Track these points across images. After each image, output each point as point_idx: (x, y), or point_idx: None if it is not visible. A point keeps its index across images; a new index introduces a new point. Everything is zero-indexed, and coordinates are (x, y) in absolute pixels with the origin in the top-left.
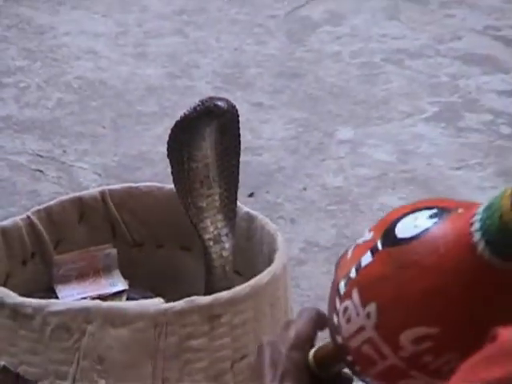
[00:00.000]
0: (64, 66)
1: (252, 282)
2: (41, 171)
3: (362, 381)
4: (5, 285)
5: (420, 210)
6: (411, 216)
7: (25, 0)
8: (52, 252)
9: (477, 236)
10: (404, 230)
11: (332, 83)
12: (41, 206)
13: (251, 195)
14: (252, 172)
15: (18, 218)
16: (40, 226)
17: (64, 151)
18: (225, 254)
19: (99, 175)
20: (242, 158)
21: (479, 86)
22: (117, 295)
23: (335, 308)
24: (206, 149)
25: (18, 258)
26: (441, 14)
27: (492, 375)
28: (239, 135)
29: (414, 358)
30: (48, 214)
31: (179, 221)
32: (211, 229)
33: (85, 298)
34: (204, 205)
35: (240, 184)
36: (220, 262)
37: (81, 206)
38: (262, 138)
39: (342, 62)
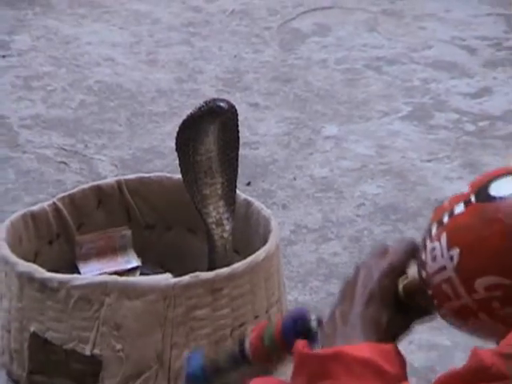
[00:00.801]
0: (85, 71)
1: (249, 259)
2: (65, 163)
3: (439, 314)
4: (34, 262)
5: None
6: (506, 178)
7: (52, 13)
8: (75, 233)
9: None
10: (497, 189)
11: (319, 86)
12: (65, 194)
13: (248, 184)
14: (249, 164)
15: (45, 204)
16: (64, 211)
17: (85, 146)
18: (225, 235)
19: (116, 166)
20: (240, 152)
21: (447, 89)
22: (131, 271)
23: (425, 246)
24: (209, 144)
25: (45, 238)
26: (414, 27)
27: None
28: (238, 132)
29: (485, 302)
30: (71, 200)
31: (186, 206)
32: (214, 213)
33: (103, 274)
34: (207, 192)
35: (239, 174)
36: (221, 242)
37: (99, 193)
38: (258, 134)
39: (328, 68)
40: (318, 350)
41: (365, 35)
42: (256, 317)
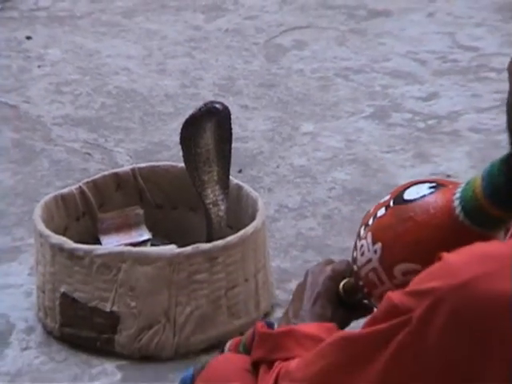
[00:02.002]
0: (106, 79)
1: (240, 233)
2: (89, 154)
3: (370, 301)
4: (64, 235)
5: (424, 183)
6: (417, 186)
7: (78, 31)
8: (97, 212)
9: (456, 203)
10: (410, 194)
11: (297, 91)
12: (89, 179)
13: (240, 171)
14: (240, 155)
15: (72, 188)
16: (88, 193)
17: (105, 140)
18: (220, 213)
19: (131, 157)
20: (233, 145)
21: (402, 93)
22: (143, 243)
23: (355, 245)
24: (207, 138)
25: (72, 216)
26: (375, 42)
27: (432, 285)
28: (231, 128)
29: (403, 285)
30: (94, 185)
31: (188, 190)
32: (211, 196)
33: (120, 245)
34: (206, 178)
35: (231, 163)
36: (217, 219)
37: (117, 179)
38: (248, 130)
39: (305, 76)
40: (275, 329)
41: (335, 49)
42: (246, 280)
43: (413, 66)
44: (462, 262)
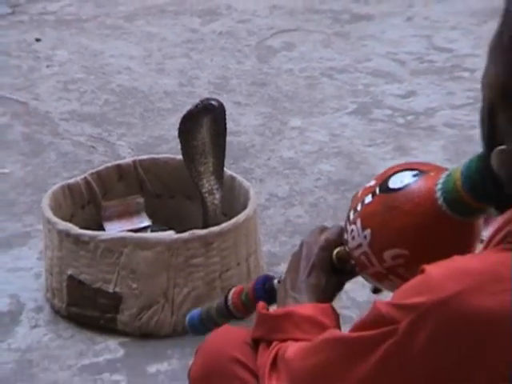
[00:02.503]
0: (109, 77)
1: (233, 220)
2: (93, 147)
3: (362, 277)
4: (70, 222)
5: (407, 170)
6: (401, 174)
7: (84, 34)
8: (101, 200)
9: (438, 193)
10: (394, 182)
11: (287, 89)
12: (93, 170)
13: (233, 163)
14: (234, 148)
15: (78, 178)
16: (93, 183)
17: (109, 134)
18: (215, 202)
19: (132, 150)
20: (227, 139)
21: (383, 91)
22: (144, 229)
23: (346, 229)
24: (204, 132)
25: (78, 204)
26: (358, 45)
27: (416, 301)
28: (225, 124)
29: (393, 268)
30: (98, 175)
31: (185, 180)
32: (207, 185)
33: (123, 231)
34: (202, 170)
35: (226, 156)
36: (212, 207)
37: (120, 170)
38: (240, 125)
39: (293, 76)
40: (273, 310)
41: (321, 51)
42: (238, 263)
43: (392, 66)
44: (443, 277)
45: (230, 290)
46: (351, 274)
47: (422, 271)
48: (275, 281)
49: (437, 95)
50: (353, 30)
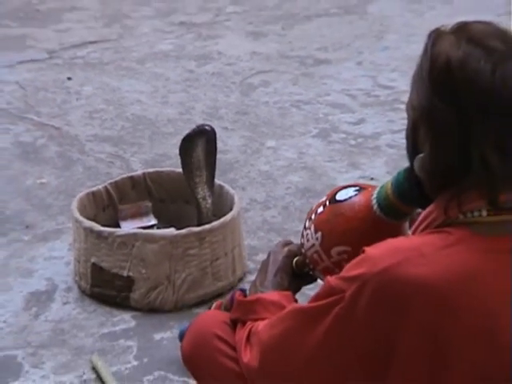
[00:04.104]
0: (125, 108)
1: (221, 220)
2: (112, 162)
3: (314, 274)
4: (93, 221)
5: (350, 187)
6: (345, 189)
7: (104, 74)
8: (117, 204)
9: (374, 201)
10: (341, 195)
11: (264, 117)
12: (112, 180)
13: (222, 175)
14: (222, 163)
15: (100, 186)
16: (111, 191)
17: (124, 152)
18: (208, 205)
19: (142, 164)
20: (217, 156)
21: (339, 119)
22: (151, 227)
23: (302, 234)
24: (199, 151)
25: (100, 207)
26: (320, 83)
27: (358, 273)
28: (216, 144)
29: (338, 262)
30: (115, 184)
31: (184, 188)
32: (201, 193)
33: (134, 228)
34: (197, 180)
35: (216, 169)
36: (205, 210)
37: (132, 180)
38: (227, 145)
39: (269, 106)
40: (247, 297)
41: (290, 87)
42: (225, 254)
43: (346, 100)
44: (379, 254)
45: (212, 305)
46: (306, 280)
47: (363, 251)
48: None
49: (380, 122)
50: (315, 72)
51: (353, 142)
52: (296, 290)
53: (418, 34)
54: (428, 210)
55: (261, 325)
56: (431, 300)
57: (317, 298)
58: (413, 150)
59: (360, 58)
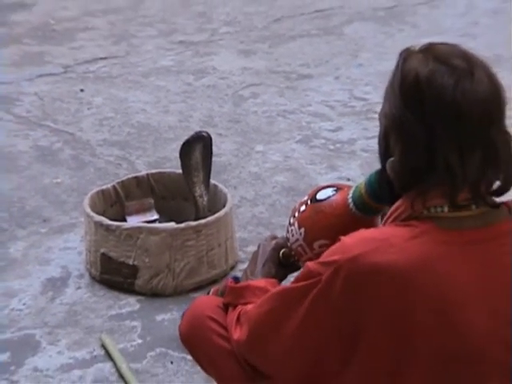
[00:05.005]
0: (130, 116)
1: (216, 215)
2: (119, 164)
3: (298, 264)
4: (103, 216)
5: (329, 187)
6: (324, 190)
7: (113, 86)
8: (124, 201)
9: (350, 200)
10: (320, 195)
11: (253, 125)
12: (119, 180)
13: (216, 176)
14: (216, 165)
15: (108, 185)
16: (119, 189)
17: (130, 155)
18: (204, 202)
19: (146, 166)
20: (212, 159)
21: (320, 127)
22: (153, 221)
23: (288, 230)
24: (196, 155)
25: (108, 203)
26: (303, 95)
27: (333, 258)
28: (212, 149)
29: (319, 254)
30: (123, 184)
31: (183, 187)
32: (198, 191)
33: (139, 222)
34: (195, 180)
35: (211, 171)
36: (202, 206)
37: (137, 180)
38: (221, 149)
39: (258, 116)
40: (238, 284)
41: (277, 98)
42: (219, 245)
43: (326, 110)
44: (353, 242)
45: (210, 290)
46: (291, 269)
47: (339, 240)
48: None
49: (356, 130)
50: (299, 85)
51: (331, 147)
52: (282, 277)
53: (389, 53)
54: (397, 204)
55: (249, 306)
56: (396, 285)
57: (297, 280)
58: (384, 153)
59: (337, 73)
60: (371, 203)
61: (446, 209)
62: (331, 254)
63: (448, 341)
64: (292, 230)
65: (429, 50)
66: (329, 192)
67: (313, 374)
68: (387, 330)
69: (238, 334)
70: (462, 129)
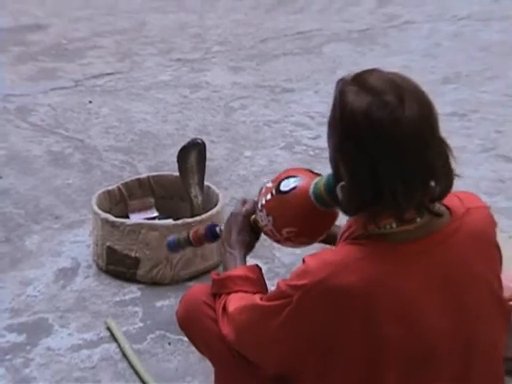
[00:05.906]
0: (133, 125)
1: (209, 213)
2: (124, 167)
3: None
4: (108, 213)
5: (292, 177)
6: (287, 180)
7: (118, 98)
8: (128, 200)
9: (311, 193)
10: (284, 186)
11: (242, 133)
12: (123, 181)
13: (209, 178)
14: (210, 169)
15: (114, 186)
16: (123, 189)
17: (133, 159)
18: (199, 202)
19: (147, 169)
20: (206, 163)
21: (302, 135)
22: (154, 218)
23: (257, 213)
24: (192, 159)
25: (113, 202)
26: (286, 107)
27: (301, 283)
28: (205, 154)
29: (287, 238)
30: (126, 185)
31: (180, 188)
32: (193, 192)
33: (141, 219)
34: (191, 182)
35: (205, 173)
36: (196, 205)
37: (139, 181)
38: (214, 155)
39: (246, 125)
40: (220, 275)
41: (263, 110)
42: None
43: (307, 120)
44: (315, 266)
45: (191, 229)
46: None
47: (304, 261)
48: (217, 228)
49: None
50: (282, 98)
51: (311, 153)
52: (256, 239)
53: (362, 69)
54: (349, 223)
55: (231, 303)
56: (359, 303)
57: (270, 298)
58: (336, 177)
59: (317, 87)
60: (330, 201)
61: (394, 225)
62: (299, 277)
63: (413, 345)
64: (261, 216)
65: (361, 82)
66: (291, 183)
67: (292, 374)
68: (358, 344)
69: (226, 330)
70: (401, 157)
